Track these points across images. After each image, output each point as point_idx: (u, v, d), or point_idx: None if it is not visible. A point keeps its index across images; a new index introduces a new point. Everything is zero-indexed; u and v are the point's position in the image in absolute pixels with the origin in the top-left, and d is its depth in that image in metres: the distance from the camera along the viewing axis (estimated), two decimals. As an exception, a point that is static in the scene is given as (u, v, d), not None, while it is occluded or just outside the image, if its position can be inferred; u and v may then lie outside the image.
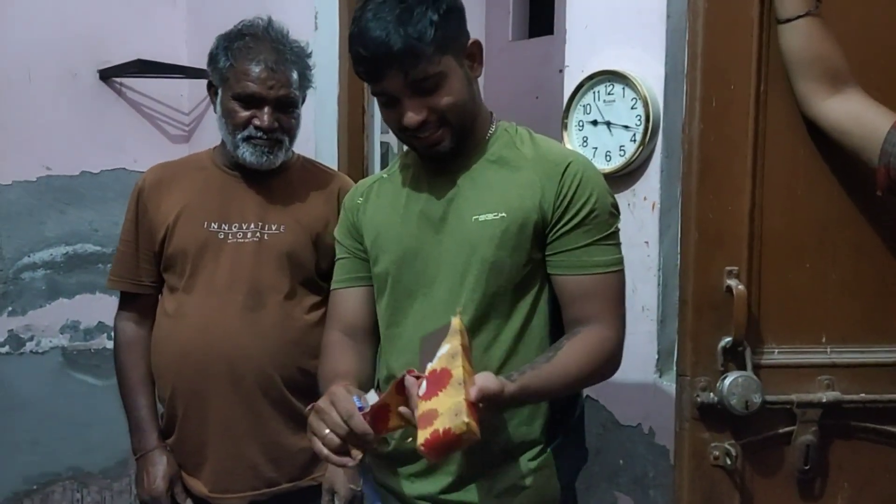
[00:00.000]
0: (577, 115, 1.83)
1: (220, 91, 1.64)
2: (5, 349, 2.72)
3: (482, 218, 1.26)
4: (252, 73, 1.57)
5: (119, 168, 2.89)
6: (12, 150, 2.65)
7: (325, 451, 1.10)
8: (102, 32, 2.82)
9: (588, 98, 1.80)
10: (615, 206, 1.29)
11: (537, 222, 1.25)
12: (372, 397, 1.12)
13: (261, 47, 1.59)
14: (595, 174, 1.29)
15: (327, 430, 1.10)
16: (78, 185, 2.82)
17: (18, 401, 2.73)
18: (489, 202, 1.26)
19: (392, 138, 3.35)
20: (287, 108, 1.62)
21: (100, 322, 2.83)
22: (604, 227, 1.26)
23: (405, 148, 1.37)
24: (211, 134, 2.90)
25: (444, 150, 1.26)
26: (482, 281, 1.25)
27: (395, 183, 1.39)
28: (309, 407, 1.17)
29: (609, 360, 1.26)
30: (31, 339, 2.76)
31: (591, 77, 1.78)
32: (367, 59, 1.19)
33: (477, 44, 1.28)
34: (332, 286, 1.45)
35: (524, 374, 1.17)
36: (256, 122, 1.59)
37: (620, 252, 1.29)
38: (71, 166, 2.80)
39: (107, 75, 2.83)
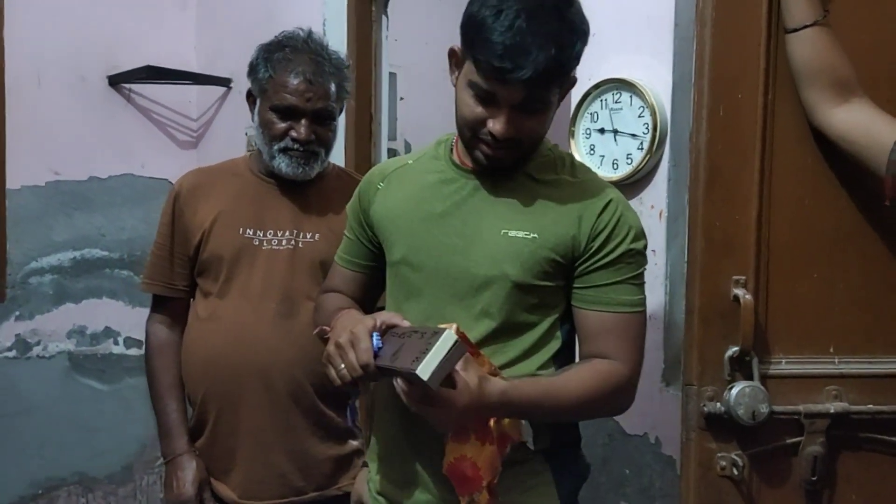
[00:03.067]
0: (584, 123, 1.82)
1: (258, 101, 1.65)
2: (12, 353, 2.73)
3: (512, 234, 1.22)
4: (290, 86, 1.59)
5: (127, 173, 2.90)
6: (21, 154, 2.67)
7: (336, 378, 1.20)
8: (112, 38, 2.84)
9: (595, 106, 1.80)
10: (646, 247, 1.27)
11: (567, 252, 1.22)
12: (377, 340, 1.17)
13: (300, 59, 1.60)
14: (632, 214, 1.26)
15: (343, 366, 1.18)
16: (86, 190, 2.84)
17: (25, 405, 2.73)
18: (522, 220, 1.23)
19: (399, 145, 3.35)
20: (324, 120, 1.63)
21: (106, 327, 2.81)
22: (634, 267, 1.24)
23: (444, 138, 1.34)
24: (219, 140, 2.92)
25: (501, 167, 1.24)
26: (499, 297, 1.22)
27: (421, 173, 1.34)
28: (319, 329, 1.28)
29: (618, 394, 1.23)
30: (38, 343, 2.76)
31: (598, 85, 1.78)
32: (503, 57, 1.09)
33: (575, 81, 1.24)
34: (335, 257, 1.48)
35: (520, 379, 1.18)
36: (293, 133, 1.61)
37: (644, 293, 1.27)
38: (79, 171, 2.82)
39: (116, 81, 2.85)
